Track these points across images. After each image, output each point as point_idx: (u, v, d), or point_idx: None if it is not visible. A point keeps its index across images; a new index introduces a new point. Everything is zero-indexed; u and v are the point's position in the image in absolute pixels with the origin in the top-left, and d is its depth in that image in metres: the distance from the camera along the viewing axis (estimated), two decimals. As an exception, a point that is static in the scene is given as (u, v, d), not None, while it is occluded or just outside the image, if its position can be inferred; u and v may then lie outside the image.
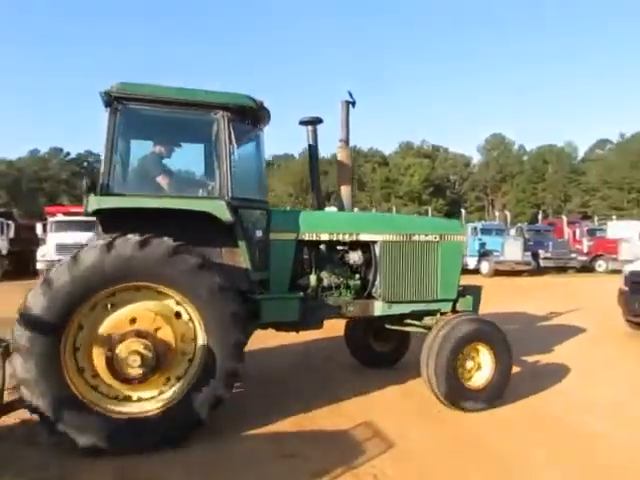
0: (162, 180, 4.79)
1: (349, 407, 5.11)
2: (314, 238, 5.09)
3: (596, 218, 35.75)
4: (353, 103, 5.68)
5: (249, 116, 4.76)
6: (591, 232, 26.50)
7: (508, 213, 30.27)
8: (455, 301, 5.58)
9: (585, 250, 24.70)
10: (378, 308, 5.31)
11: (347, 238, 5.25)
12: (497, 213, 33.16)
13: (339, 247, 5.37)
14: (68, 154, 70.70)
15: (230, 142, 4.55)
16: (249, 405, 5.12)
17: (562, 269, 23.47)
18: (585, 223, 31.27)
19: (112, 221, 4.36)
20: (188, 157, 5.61)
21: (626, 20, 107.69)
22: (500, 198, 78.62)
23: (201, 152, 5.49)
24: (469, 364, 5.01)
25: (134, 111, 4.45)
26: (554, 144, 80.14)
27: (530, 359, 7.01)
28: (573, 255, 23.80)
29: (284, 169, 79.41)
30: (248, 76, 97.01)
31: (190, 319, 4.16)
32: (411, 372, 5.94)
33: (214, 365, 4.08)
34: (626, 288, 9.05)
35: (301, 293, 4.95)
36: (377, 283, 5.33)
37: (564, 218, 28.84)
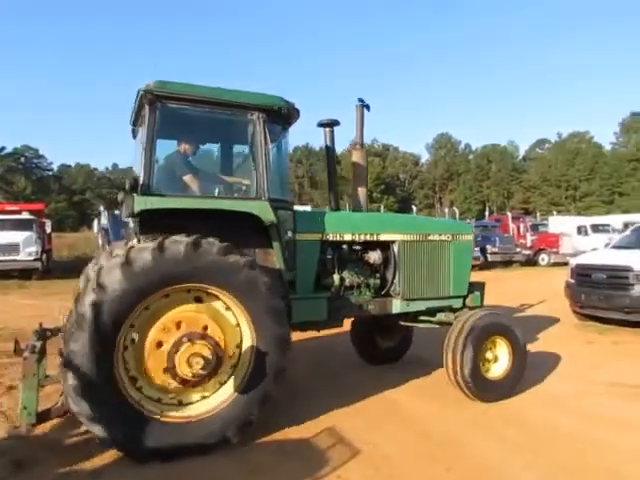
0: (192, 180, 4.66)
1: (314, 412, 4.89)
2: (337, 238, 5.14)
3: (538, 214, 37.30)
4: (367, 106, 5.71)
5: (281, 117, 4.74)
6: (534, 227, 27.49)
7: (457, 210, 30.97)
8: (465, 297, 5.80)
9: (529, 244, 25.62)
10: (397, 306, 5.43)
11: (368, 238, 5.32)
12: (446, 210, 33.85)
13: (360, 247, 5.41)
14: (4, 148, 66.45)
15: (266, 143, 4.52)
16: None
17: (508, 263, 24.25)
18: (528, 219, 32.49)
19: (148, 221, 4.18)
20: (216, 157, 5.49)
21: (562, 28, 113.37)
22: (448, 195, 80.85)
23: (231, 152, 5.45)
24: (489, 356, 5.22)
25: (171, 110, 4.32)
26: (497, 143, 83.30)
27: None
28: (518, 250, 24.65)
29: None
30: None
31: (236, 320, 4.13)
32: (379, 374, 5.86)
33: (263, 364, 4.08)
34: (572, 280, 9.36)
35: (327, 293, 5.02)
36: (396, 281, 5.44)
37: (509, 214, 29.81)
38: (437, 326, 5.76)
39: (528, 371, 5.49)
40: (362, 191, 5.90)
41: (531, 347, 7.50)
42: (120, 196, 4.44)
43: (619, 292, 8.42)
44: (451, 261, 5.69)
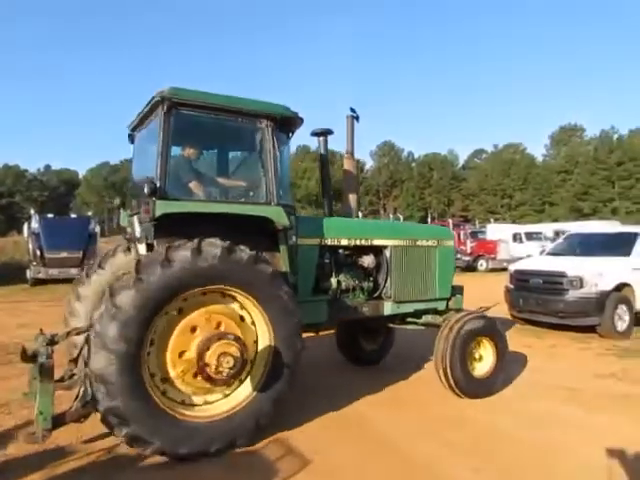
0: (197, 185, 4.70)
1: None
2: (335, 243, 5.38)
3: (477, 221, 38.82)
4: (357, 118, 5.99)
5: (286, 125, 4.94)
6: (473, 234, 28.58)
7: (400, 216, 31.68)
8: (448, 300, 6.17)
9: (468, 251, 26.59)
10: (388, 308, 5.71)
11: (363, 243, 5.59)
12: (391, 216, 34.60)
13: (354, 252, 5.65)
14: None
15: (274, 150, 4.66)
16: None
17: (449, 269, 24.87)
18: (468, 226, 33.72)
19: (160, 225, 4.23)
20: (218, 162, 5.56)
21: (497, 45, 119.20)
22: (392, 202, 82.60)
23: (235, 158, 5.61)
24: (475, 355, 5.57)
25: (183, 116, 4.38)
26: (438, 152, 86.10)
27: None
28: (458, 256, 25.49)
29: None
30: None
31: (252, 322, 4.26)
32: (334, 381, 5.83)
33: (280, 366, 4.20)
34: (511, 286, 9.74)
35: (326, 296, 5.27)
36: (387, 285, 5.76)
37: (450, 221, 30.84)
38: (422, 327, 6.16)
39: None
40: (353, 197, 6.20)
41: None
42: (117, 201, 4.76)
43: (554, 297, 8.82)
44: (437, 265, 6.06)
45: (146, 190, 4.08)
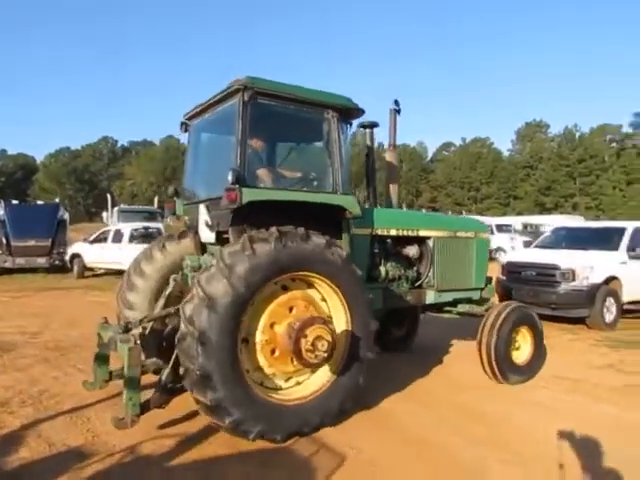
0: (266, 174, 4.81)
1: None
2: (384, 233, 5.55)
3: (450, 212, 39.41)
4: (399, 111, 6.13)
5: (349, 116, 5.01)
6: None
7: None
8: (482, 289, 6.45)
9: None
10: (430, 296, 5.93)
11: (409, 234, 5.79)
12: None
13: (400, 242, 5.82)
14: None
15: (339, 140, 4.77)
16: (180, 433, 4.31)
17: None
18: (440, 217, 34.08)
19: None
20: (283, 152, 5.66)
21: (468, 39, 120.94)
22: (363, 192, 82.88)
23: (300, 148, 5.72)
24: (515, 345, 5.84)
25: (260, 105, 4.40)
26: (408, 144, 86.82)
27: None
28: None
29: (143, 157, 74.36)
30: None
31: (328, 308, 4.38)
32: None
33: (357, 353, 4.30)
34: (503, 277, 9.86)
35: (377, 284, 5.41)
36: (430, 274, 5.97)
37: (424, 211, 31.20)
38: (457, 316, 6.54)
39: (477, 366, 5.74)
40: (394, 188, 6.36)
41: (470, 345, 7.75)
42: (171, 189, 5.31)
43: (546, 289, 9.00)
44: (474, 256, 6.31)
45: (230, 178, 4.11)
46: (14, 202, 20.42)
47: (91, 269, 17.84)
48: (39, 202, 25.56)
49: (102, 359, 4.65)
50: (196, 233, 5.21)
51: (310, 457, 3.80)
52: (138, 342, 4.00)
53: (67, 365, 6.33)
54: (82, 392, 4.97)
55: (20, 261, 17.34)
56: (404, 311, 6.57)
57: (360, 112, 5.09)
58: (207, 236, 4.87)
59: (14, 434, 4.18)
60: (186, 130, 5.47)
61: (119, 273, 17.18)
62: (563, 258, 9.16)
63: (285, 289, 4.27)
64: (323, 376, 4.27)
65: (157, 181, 69.92)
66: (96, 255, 17.12)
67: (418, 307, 6.31)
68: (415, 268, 6.00)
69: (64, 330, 8.68)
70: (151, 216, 21.94)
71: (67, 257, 17.99)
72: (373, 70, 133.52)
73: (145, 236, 17.21)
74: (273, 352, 4.09)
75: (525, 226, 33.41)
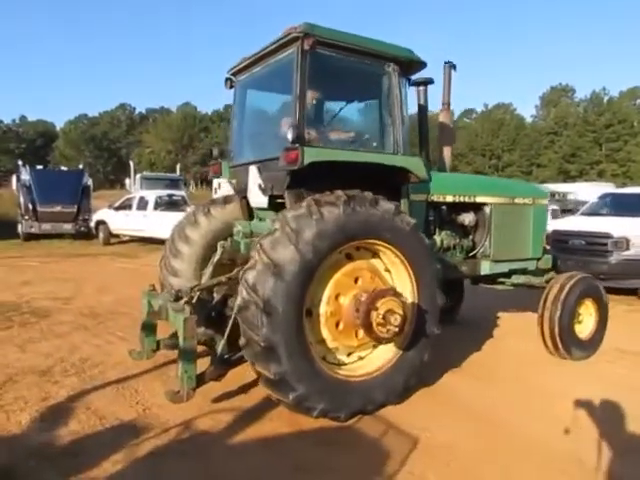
0: (321, 133, 4.48)
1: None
2: (440, 200, 5.17)
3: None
4: (454, 66, 5.63)
5: (409, 70, 4.61)
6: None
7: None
8: (538, 260, 6.02)
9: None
10: (485, 267, 5.54)
11: (466, 200, 5.39)
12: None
13: (456, 209, 5.47)
14: None
15: (400, 96, 4.40)
16: (235, 408, 4.07)
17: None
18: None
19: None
20: (336, 109, 5.16)
21: (491, 3, 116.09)
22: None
23: (356, 105, 5.25)
24: (579, 318, 5.49)
25: (319, 56, 3.98)
26: (431, 110, 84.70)
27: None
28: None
29: (161, 124, 73.78)
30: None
31: (392, 279, 4.10)
32: None
33: (423, 328, 4.02)
34: (548, 247, 9.37)
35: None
36: (486, 243, 5.54)
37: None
38: (511, 287, 6.12)
39: (531, 340, 5.52)
40: (447, 151, 5.94)
41: (516, 317, 7.38)
42: (216, 151, 5.01)
43: (597, 259, 8.52)
44: (532, 224, 5.87)
45: (290, 136, 3.82)
46: (39, 167, 20.24)
47: (116, 236, 17.76)
48: (63, 168, 25.36)
49: (149, 328, 4.42)
50: (244, 197, 4.89)
51: (379, 439, 3.53)
52: (194, 312, 3.74)
53: (106, 332, 6.15)
54: (126, 361, 4.81)
55: (46, 227, 17.30)
56: (450, 282, 6.20)
57: (422, 65, 4.68)
58: (258, 200, 4.54)
59: (61, 405, 3.98)
60: (231, 87, 5.07)
61: (144, 240, 17.16)
62: (615, 226, 8.65)
63: (349, 258, 3.95)
64: (388, 352, 4.00)
65: (175, 149, 69.57)
66: (121, 222, 17.00)
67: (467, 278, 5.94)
68: (470, 237, 5.63)
69: (96, 296, 8.55)
70: (173, 183, 21.72)
71: (92, 224, 17.91)
72: (391, 32, 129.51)
73: (170, 204, 17.02)
74: (337, 325, 3.80)
75: (552, 194, 32.48)
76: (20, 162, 19.65)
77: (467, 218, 5.52)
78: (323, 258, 3.55)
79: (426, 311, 4.04)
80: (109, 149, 78.01)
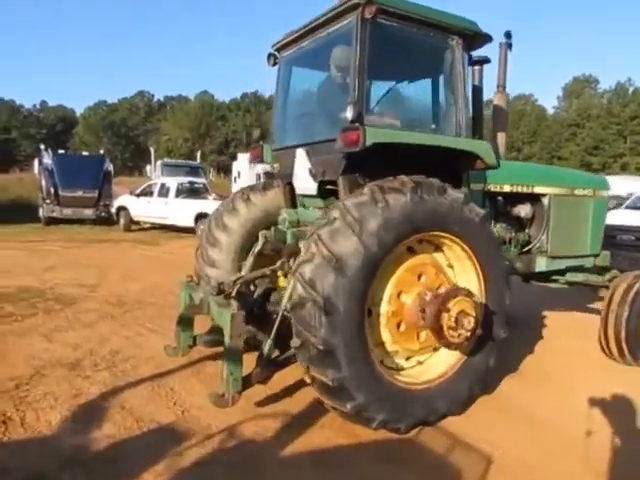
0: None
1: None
2: (497, 189, 4.82)
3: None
4: (510, 45, 5.06)
5: (474, 44, 4.18)
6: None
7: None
8: (596, 256, 5.58)
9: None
10: (541, 264, 5.12)
11: (524, 190, 5.00)
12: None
13: (512, 200, 5.10)
14: None
15: (464, 73, 4.00)
16: (281, 413, 3.70)
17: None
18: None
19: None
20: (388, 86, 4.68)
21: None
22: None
23: (415, 82, 4.79)
24: None
25: (379, 27, 3.58)
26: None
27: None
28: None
29: (178, 112, 73.68)
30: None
31: (454, 275, 3.72)
32: None
33: (489, 330, 3.59)
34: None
35: None
36: (543, 238, 5.09)
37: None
38: (565, 286, 5.65)
39: (586, 342, 5.19)
40: (502, 137, 5.42)
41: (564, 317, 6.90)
42: (256, 133, 4.84)
43: (649, 255, 8.02)
44: (591, 218, 5.44)
45: (350, 114, 3.40)
46: (61, 152, 20.10)
47: (137, 222, 17.56)
48: (84, 153, 25.24)
49: (186, 322, 4.10)
50: (287, 183, 4.53)
51: (446, 455, 3.16)
52: (242, 307, 3.42)
53: (135, 323, 5.86)
54: (159, 355, 4.52)
55: (67, 211, 17.17)
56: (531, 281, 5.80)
57: (487, 40, 4.22)
58: (305, 186, 4.15)
59: (94, 403, 3.69)
60: (274, 63, 4.65)
61: (164, 228, 16.95)
62: (668, 220, 8.14)
63: (411, 252, 3.57)
64: (450, 356, 3.62)
65: (192, 137, 69.43)
66: (142, 209, 16.78)
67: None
68: (526, 230, 5.22)
69: (121, 284, 8.30)
70: (193, 171, 21.46)
71: (113, 209, 17.73)
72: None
73: (191, 191, 16.77)
74: (398, 326, 3.43)
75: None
76: (42, 146, 19.49)
77: (523, 210, 5.12)
78: (388, 251, 3.16)
79: (494, 312, 3.64)
80: (127, 136, 78.16)
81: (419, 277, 3.50)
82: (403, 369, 3.62)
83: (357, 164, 3.64)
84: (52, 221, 17.47)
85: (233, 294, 3.69)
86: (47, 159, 18.01)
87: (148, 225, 17.69)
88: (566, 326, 6.33)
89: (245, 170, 23.23)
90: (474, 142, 3.97)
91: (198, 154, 26.94)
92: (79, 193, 17.15)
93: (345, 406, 3.11)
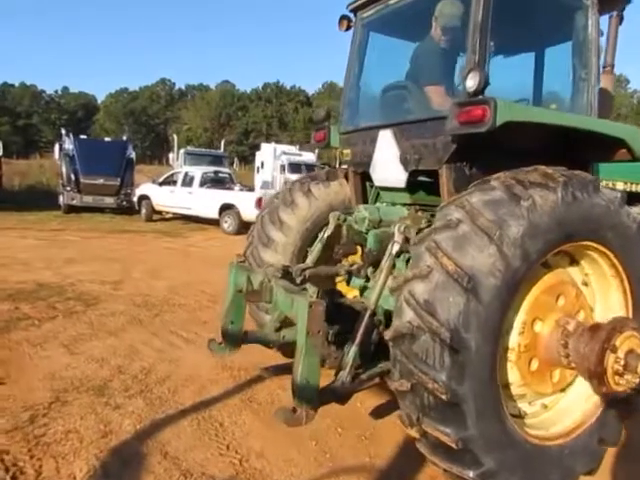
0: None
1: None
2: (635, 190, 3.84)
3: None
4: (621, 19, 4.22)
5: (612, 6, 3.57)
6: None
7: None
8: None
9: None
10: None
11: (637, 189, 4.00)
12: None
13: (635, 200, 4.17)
14: None
15: (597, 40, 3.32)
16: (367, 466, 2.99)
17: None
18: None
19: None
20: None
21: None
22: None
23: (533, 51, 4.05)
24: None
25: None
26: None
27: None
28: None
29: (199, 101, 73.21)
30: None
31: (589, 297, 2.90)
32: None
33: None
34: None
35: None
36: None
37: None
38: None
39: None
40: None
41: None
42: (321, 113, 3.95)
43: None
44: None
45: (473, 84, 2.66)
46: (82, 137, 19.51)
47: (159, 212, 16.90)
48: (107, 139, 24.65)
49: (237, 313, 3.16)
50: (361, 173, 3.72)
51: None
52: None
53: (166, 330, 5.12)
54: (198, 375, 3.84)
55: (88, 199, 16.57)
56: None
57: (626, 0, 3.58)
58: (389, 177, 3.37)
59: (129, 448, 2.92)
60: (348, 27, 3.81)
61: (186, 218, 16.26)
62: None
63: (545, 266, 2.73)
64: (582, 398, 2.80)
65: (212, 127, 68.94)
66: (165, 198, 16.07)
67: None
68: None
69: (147, 281, 7.59)
70: (216, 160, 20.73)
71: (135, 198, 17.07)
72: None
73: (216, 181, 16.05)
74: (529, 363, 2.61)
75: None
76: (64, 130, 18.92)
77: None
78: (532, 266, 2.36)
79: None
80: (147, 124, 77.98)
81: (556, 299, 2.66)
82: (526, 415, 2.80)
83: (467, 150, 2.87)
84: (72, 209, 16.89)
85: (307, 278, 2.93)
86: (68, 144, 17.42)
87: (170, 215, 17.02)
88: None
89: (269, 161, 22.48)
90: (623, 126, 3.24)
91: (222, 142, 26.15)
92: (100, 181, 16.53)
93: (468, 473, 2.30)
